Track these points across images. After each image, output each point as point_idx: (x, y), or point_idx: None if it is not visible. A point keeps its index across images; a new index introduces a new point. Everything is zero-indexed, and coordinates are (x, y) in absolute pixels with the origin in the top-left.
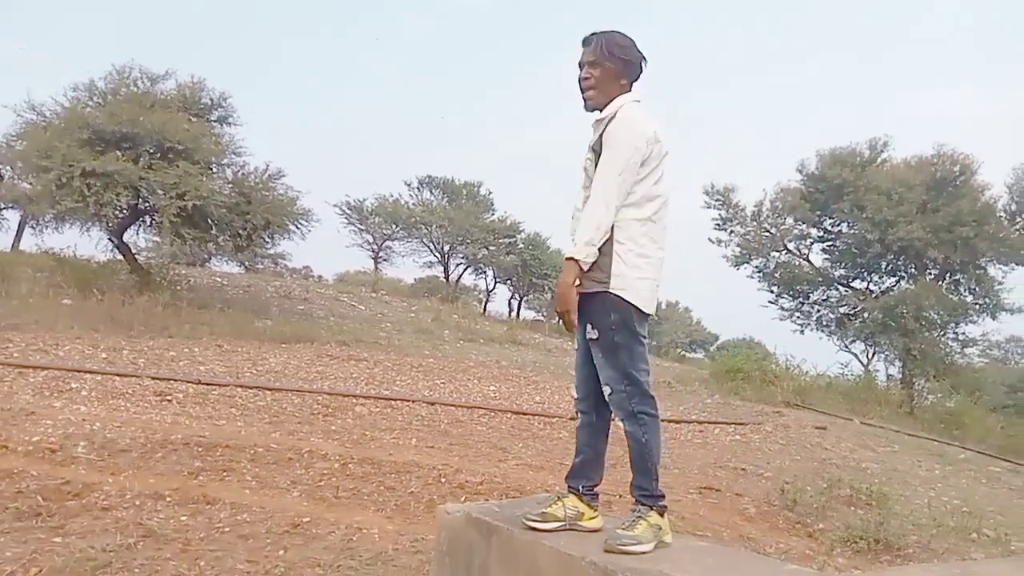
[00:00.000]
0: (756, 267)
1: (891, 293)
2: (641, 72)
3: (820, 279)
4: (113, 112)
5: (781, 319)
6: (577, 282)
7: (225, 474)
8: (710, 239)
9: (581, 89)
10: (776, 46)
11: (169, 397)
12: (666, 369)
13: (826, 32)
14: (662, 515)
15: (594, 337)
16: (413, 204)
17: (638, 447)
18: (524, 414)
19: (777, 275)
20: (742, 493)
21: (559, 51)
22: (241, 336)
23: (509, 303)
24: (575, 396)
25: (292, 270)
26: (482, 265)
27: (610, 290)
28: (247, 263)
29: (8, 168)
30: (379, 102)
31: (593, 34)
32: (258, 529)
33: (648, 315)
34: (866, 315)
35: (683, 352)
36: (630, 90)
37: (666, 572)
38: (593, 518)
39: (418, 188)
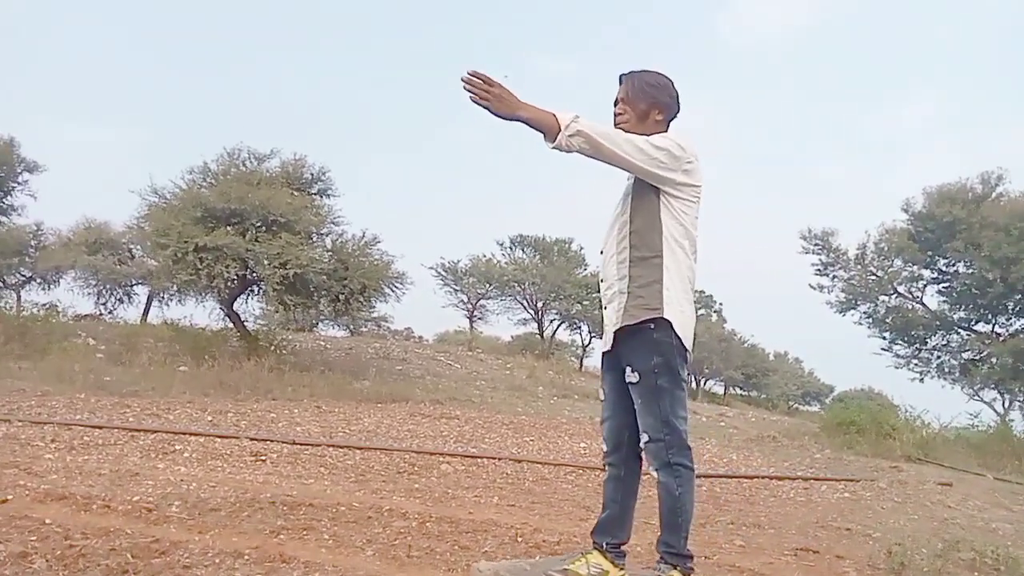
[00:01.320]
0: (864, 313)
1: (1022, 336)
2: (677, 111)
3: (938, 323)
4: (223, 191)
5: (897, 367)
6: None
7: (305, 533)
8: (811, 285)
9: (615, 125)
10: (863, 87)
11: (264, 457)
12: (773, 423)
13: (918, 71)
14: None
15: (634, 381)
16: (506, 263)
17: (670, 500)
18: None
19: (888, 320)
20: (844, 555)
21: None
22: (339, 397)
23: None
24: (603, 449)
25: (394, 332)
26: (576, 320)
27: (663, 316)
28: (351, 327)
29: (138, 247)
30: (470, 163)
31: (628, 72)
32: None
33: (689, 356)
34: (994, 360)
35: (796, 405)
36: (666, 129)
37: None
38: None
39: (510, 247)
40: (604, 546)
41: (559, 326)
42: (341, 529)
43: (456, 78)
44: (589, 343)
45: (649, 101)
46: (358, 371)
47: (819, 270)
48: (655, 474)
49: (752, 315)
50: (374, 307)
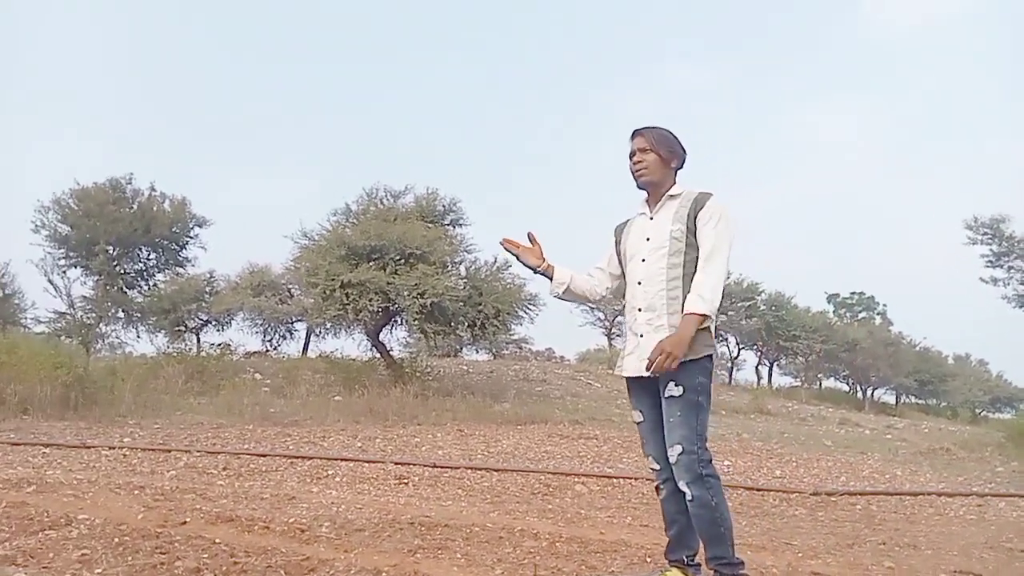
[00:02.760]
0: None
1: None
2: (685, 160)
3: None
4: (364, 229)
5: None
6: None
7: (440, 552)
8: (982, 279)
9: (634, 172)
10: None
11: (407, 480)
12: (950, 434)
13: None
14: None
15: (677, 395)
16: None
17: (708, 513)
18: (757, 489)
19: None
20: None
21: (800, 103)
22: (480, 420)
23: (756, 370)
24: (654, 468)
25: (535, 353)
26: (722, 332)
27: (714, 350)
28: (492, 350)
29: (296, 287)
30: (605, 177)
31: (643, 128)
32: None
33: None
34: None
35: (983, 412)
36: (676, 177)
37: None
38: None
39: None
40: (684, 560)
41: None
42: (474, 549)
43: (592, 84)
44: (737, 355)
45: (668, 149)
46: (498, 394)
47: (990, 261)
48: (687, 489)
49: (923, 317)
50: (511, 330)
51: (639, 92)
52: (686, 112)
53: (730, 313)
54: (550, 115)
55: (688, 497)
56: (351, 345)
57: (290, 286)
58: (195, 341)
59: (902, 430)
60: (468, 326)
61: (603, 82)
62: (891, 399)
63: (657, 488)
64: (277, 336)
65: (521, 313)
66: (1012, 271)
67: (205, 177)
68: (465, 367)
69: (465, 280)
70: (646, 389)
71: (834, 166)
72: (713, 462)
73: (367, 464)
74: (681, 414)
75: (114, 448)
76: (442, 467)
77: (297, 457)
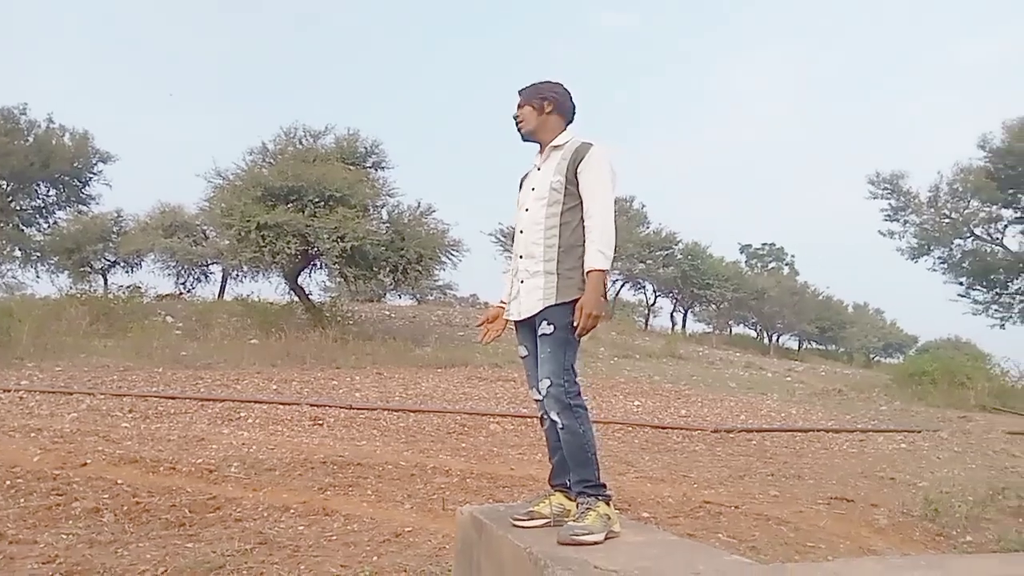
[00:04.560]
0: (939, 258)
1: None
2: (573, 108)
3: (1020, 265)
4: (281, 170)
5: (975, 313)
6: (602, 298)
7: (350, 489)
8: (880, 232)
9: (518, 130)
10: (941, 21)
11: (321, 421)
12: (844, 376)
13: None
14: (609, 504)
15: (548, 332)
16: None
17: (575, 439)
18: (662, 427)
19: (965, 265)
20: (879, 503)
21: (712, 63)
22: (400, 364)
23: (671, 316)
24: (536, 399)
25: (459, 299)
26: (640, 280)
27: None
28: (416, 296)
29: (210, 228)
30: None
31: (526, 86)
32: (362, 538)
33: None
34: None
35: (877, 357)
36: (565, 124)
37: (591, 561)
38: None
39: None
40: (566, 484)
41: (622, 286)
42: (385, 485)
43: (523, 39)
44: (654, 302)
45: (539, 97)
46: (420, 338)
47: (889, 215)
48: (556, 418)
49: (828, 267)
50: (434, 275)
51: (566, 39)
52: (611, 59)
53: (648, 262)
54: (479, 59)
55: (559, 426)
56: (269, 288)
57: (204, 227)
58: (102, 282)
59: (801, 373)
60: (390, 271)
61: (531, 26)
62: (794, 344)
63: (541, 419)
64: (191, 279)
65: (444, 258)
66: (907, 225)
67: (110, 110)
68: (387, 312)
69: (387, 224)
70: (528, 328)
71: (751, 119)
72: (582, 393)
73: (282, 406)
74: (551, 350)
75: (9, 391)
76: (358, 409)
77: (208, 399)
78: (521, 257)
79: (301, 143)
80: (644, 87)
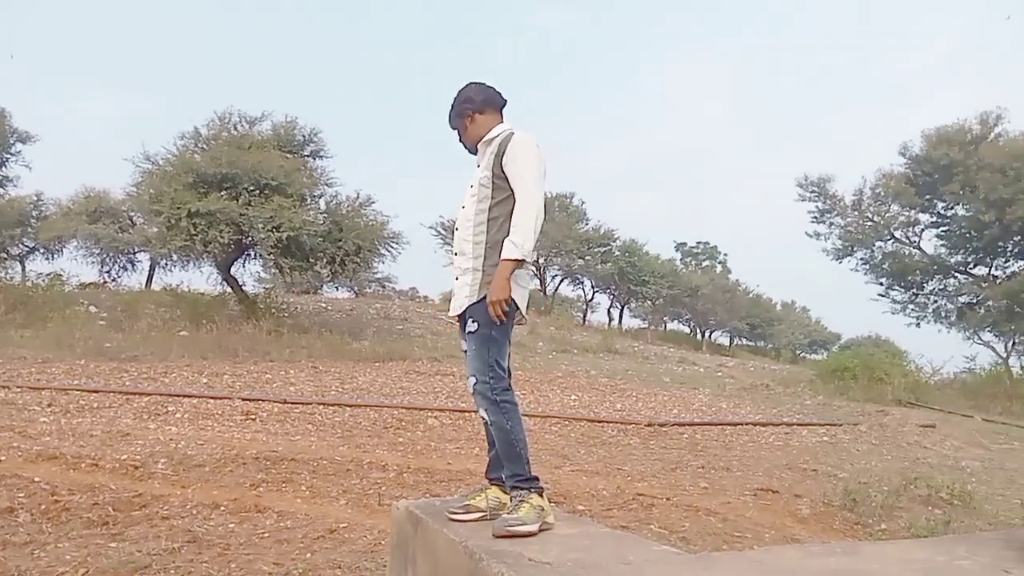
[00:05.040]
0: (861, 259)
1: (1016, 278)
2: (499, 99)
3: (935, 267)
4: (214, 156)
5: (894, 312)
6: (509, 284)
7: (284, 485)
8: (807, 233)
9: (462, 144)
10: (874, 30)
11: (254, 416)
12: (773, 371)
13: (930, 16)
14: (542, 496)
15: (473, 330)
16: None
17: (504, 435)
18: (598, 421)
19: (885, 266)
20: (802, 494)
21: (652, 63)
22: (337, 357)
23: (608, 312)
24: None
25: (398, 292)
26: (579, 275)
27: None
28: (354, 288)
29: (138, 214)
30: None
31: (450, 108)
32: (296, 535)
33: (520, 318)
34: (989, 303)
35: (802, 354)
36: (502, 117)
37: (525, 553)
38: None
39: None
40: (502, 479)
41: (561, 282)
42: (319, 481)
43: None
44: (592, 297)
45: (464, 112)
46: (357, 331)
47: (816, 217)
48: (485, 414)
49: (758, 266)
50: (372, 268)
51: (504, 34)
52: (549, 56)
53: (587, 258)
54: (421, 52)
55: (488, 421)
56: (200, 279)
57: (131, 213)
58: (19, 269)
59: (731, 368)
60: (327, 262)
61: (472, 22)
62: (726, 341)
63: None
64: (116, 267)
65: (383, 251)
66: (833, 227)
67: (31, 88)
68: (324, 304)
69: (325, 215)
70: (465, 323)
71: (688, 119)
72: (511, 390)
73: (212, 400)
74: (475, 347)
75: None
76: (293, 403)
77: (134, 393)
78: (456, 255)
79: (236, 129)
80: (581, 85)
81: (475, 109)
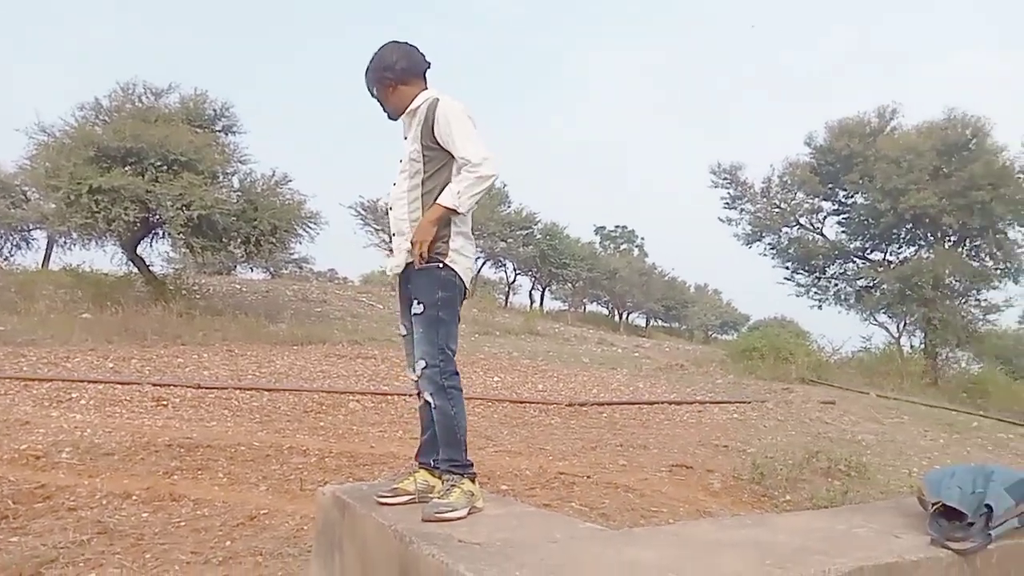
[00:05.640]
0: (769, 244)
1: (908, 263)
2: (421, 63)
3: (836, 253)
4: (117, 129)
5: (798, 295)
6: (435, 229)
7: (199, 472)
8: (720, 218)
9: (383, 107)
10: (785, 23)
11: (165, 402)
12: (687, 352)
13: (835, 6)
14: (473, 481)
15: (419, 312)
16: None
17: (447, 420)
18: (520, 402)
19: (791, 251)
20: (714, 469)
21: (570, 50)
22: (253, 340)
23: (530, 294)
24: (412, 379)
25: (316, 273)
26: (501, 258)
27: (447, 263)
28: (269, 269)
29: (32, 189)
30: None
31: (366, 71)
32: (214, 523)
33: (467, 294)
34: (884, 287)
35: (714, 335)
36: (425, 83)
37: (454, 535)
38: None
39: None
40: (431, 463)
41: (483, 264)
42: (237, 468)
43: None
44: (514, 280)
45: (384, 83)
46: (274, 314)
47: (727, 203)
48: (430, 399)
49: (675, 249)
50: (289, 248)
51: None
52: (479, 41)
53: (509, 241)
54: (345, 35)
55: (432, 406)
56: (103, 258)
57: (25, 188)
58: None
59: (648, 349)
60: (242, 242)
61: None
62: (642, 322)
63: (418, 395)
64: (9, 245)
65: (301, 231)
66: (743, 213)
67: None
68: (238, 286)
69: (239, 193)
70: (407, 305)
71: (609, 105)
72: (458, 375)
73: (120, 386)
74: (423, 330)
75: None
76: (207, 388)
77: (33, 379)
78: (393, 235)
79: (141, 101)
80: (507, 69)
81: (396, 79)
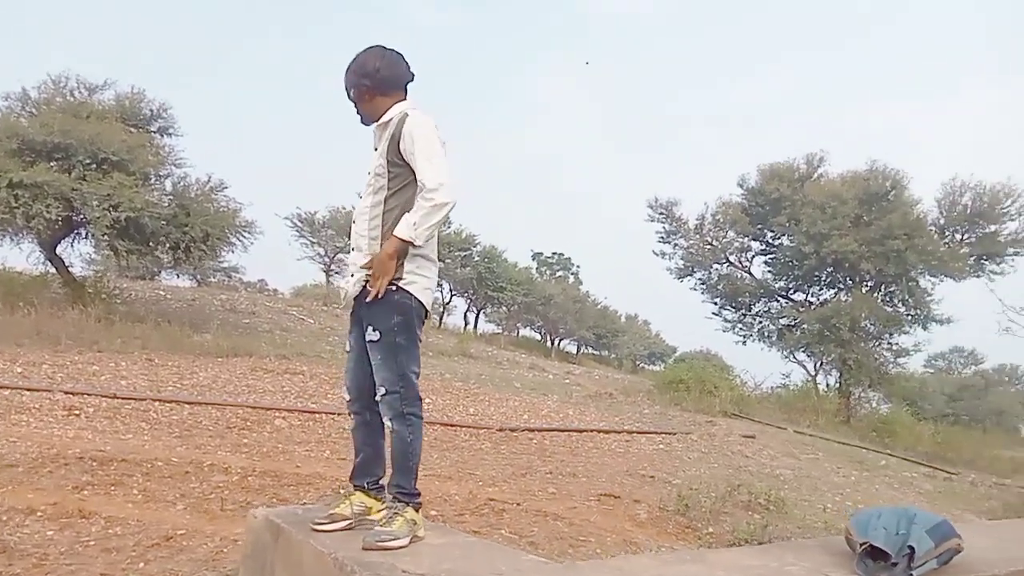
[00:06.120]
0: (699, 279)
1: (828, 305)
2: (404, 75)
3: (761, 291)
4: (45, 122)
5: (724, 330)
6: (394, 263)
7: (112, 488)
8: (654, 252)
9: (356, 111)
10: (723, 61)
11: (78, 411)
12: (616, 380)
13: (772, 48)
14: (417, 511)
15: (375, 339)
16: None
17: (402, 446)
18: (451, 425)
19: (720, 287)
20: (641, 499)
21: (511, 74)
22: (175, 350)
23: (465, 316)
24: (346, 398)
25: (246, 284)
26: (440, 280)
27: (401, 286)
28: (198, 277)
29: None
30: (334, 114)
31: (347, 71)
32: (126, 543)
33: (427, 316)
34: (804, 326)
35: (642, 364)
36: (404, 95)
37: (398, 565)
38: (381, 511)
39: None
40: (366, 486)
41: None
42: (154, 484)
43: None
44: (450, 300)
45: (360, 89)
46: (200, 323)
47: (662, 238)
48: (389, 423)
49: (609, 278)
50: (220, 257)
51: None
52: (420, 55)
53: (447, 261)
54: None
55: (390, 430)
56: (18, 256)
57: None
58: None
59: (578, 376)
60: (170, 248)
61: (345, 15)
62: (573, 349)
63: (349, 415)
64: None
65: (234, 240)
66: (676, 248)
67: None
68: (162, 292)
69: (171, 197)
70: (357, 324)
71: (548, 131)
72: (421, 400)
73: (28, 392)
74: (382, 357)
75: None
76: (123, 398)
77: None
78: (352, 250)
79: (73, 95)
80: (447, 86)
81: (374, 88)
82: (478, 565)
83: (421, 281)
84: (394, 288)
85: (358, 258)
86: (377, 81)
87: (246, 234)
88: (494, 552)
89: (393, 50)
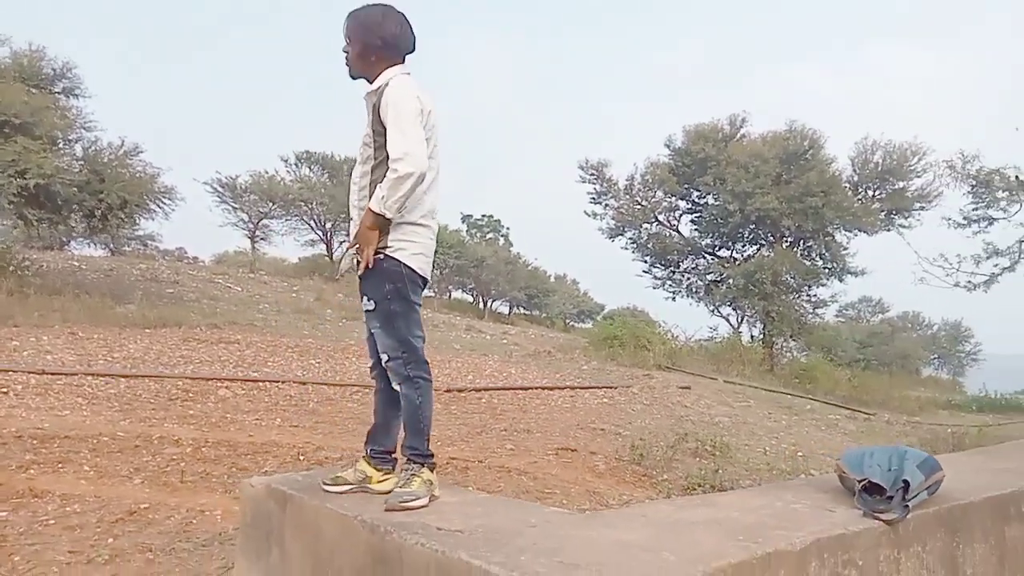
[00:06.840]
0: (630, 238)
1: (752, 260)
2: (409, 43)
3: (689, 249)
4: None
5: (655, 287)
6: (374, 233)
7: (60, 466)
8: (586, 212)
9: (346, 62)
10: (649, 28)
11: (5, 389)
12: (551, 339)
13: (696, 13)
14: (432, 471)
15: (370, 308)
16: (291, 181)
17: (412, 409)
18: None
19: (649, 246)
20: (596, 451)
21: (445, 34)
22: (98, 322)
23: None
24: (369, 365)
25: (164, 252)
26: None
27: (388, 254)
28: (112, 246)
29: None
30: (261, 77)
31: (350, 12)
32: (88, 519)
33: (424, 281)
34: (730, 281)
35: (572, 323)
36: (402, 61)
37: (429, 523)
38: (382, 481)
39: (296, 164)
40: (369, 453)
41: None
42: (104, 460)
43: None
44: None
45: (362, 43)
46: (121, 294)
47: (593, 198)
48: (398, 388)
49: (538, 239)
50: (138, 225)
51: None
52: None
53: None
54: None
55: (400, 393)
56: None
57: None
58: None
59: (514, 336)
60: (85, 216)
61: None
62: (505, 310)
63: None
64: None
65: (154, 206)
66: (607, 208)
67: None
68: (76, 263)
69: (82, 162)
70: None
71: (478, 94)
72: (427, 363)
73: None
74: (380, 325)
75: None
76: (53, 374)
77: None
78: (351, 220)
79: None
80: None
81: (382, 50)
82: (508, 519)
83: (409, 247)
84: (382, 257)
85: (351, 228)
86: (388, 42)
87: (166, 200)
88: (514, 507)
89: (402, 13)
